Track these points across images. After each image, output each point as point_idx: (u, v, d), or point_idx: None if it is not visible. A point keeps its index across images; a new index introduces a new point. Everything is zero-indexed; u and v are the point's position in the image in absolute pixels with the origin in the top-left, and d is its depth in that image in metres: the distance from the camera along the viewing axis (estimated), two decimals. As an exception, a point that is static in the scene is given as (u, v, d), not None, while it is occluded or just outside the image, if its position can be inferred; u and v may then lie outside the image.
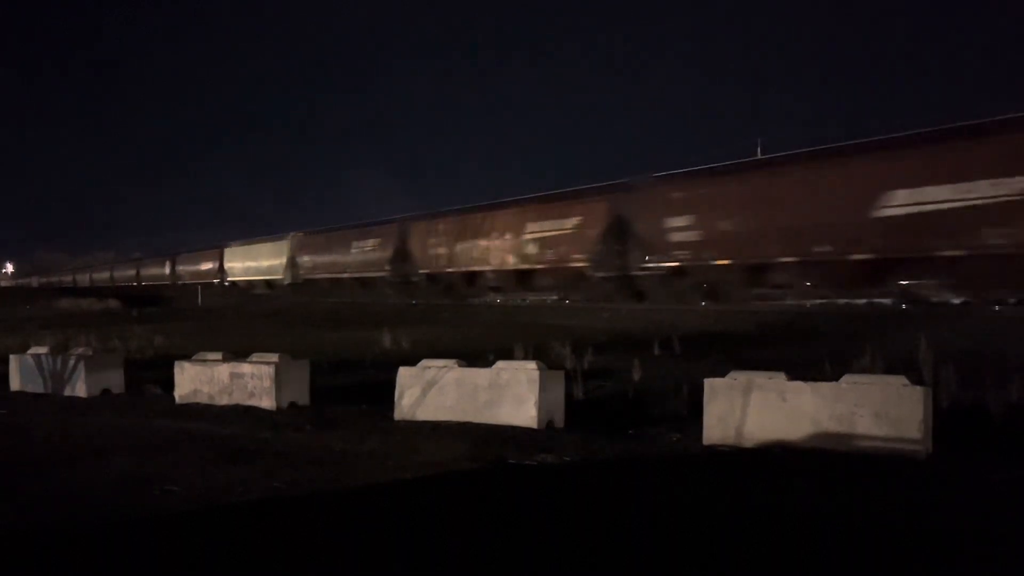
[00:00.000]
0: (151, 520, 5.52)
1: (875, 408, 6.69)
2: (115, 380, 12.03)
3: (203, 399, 10.52)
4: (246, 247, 52.19)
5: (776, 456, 6.80)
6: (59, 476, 6.86)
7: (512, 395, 8.39)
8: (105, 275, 75.79)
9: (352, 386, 11.38)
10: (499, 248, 33.00)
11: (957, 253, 18.76)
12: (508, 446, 7.39)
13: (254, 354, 10.71)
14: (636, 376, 10.76)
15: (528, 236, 31.40)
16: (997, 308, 17.98)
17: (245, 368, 10.30)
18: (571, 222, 29.51)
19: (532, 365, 8.54)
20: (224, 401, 10.31)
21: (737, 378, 7.40)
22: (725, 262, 23.88)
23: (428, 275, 36.07)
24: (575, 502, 5.76)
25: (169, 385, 11.10)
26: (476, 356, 10.65)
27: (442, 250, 35.57)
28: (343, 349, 16.09)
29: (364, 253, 40.53)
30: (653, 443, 7.67)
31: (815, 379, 7.31)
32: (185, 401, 10.64)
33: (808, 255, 21.71)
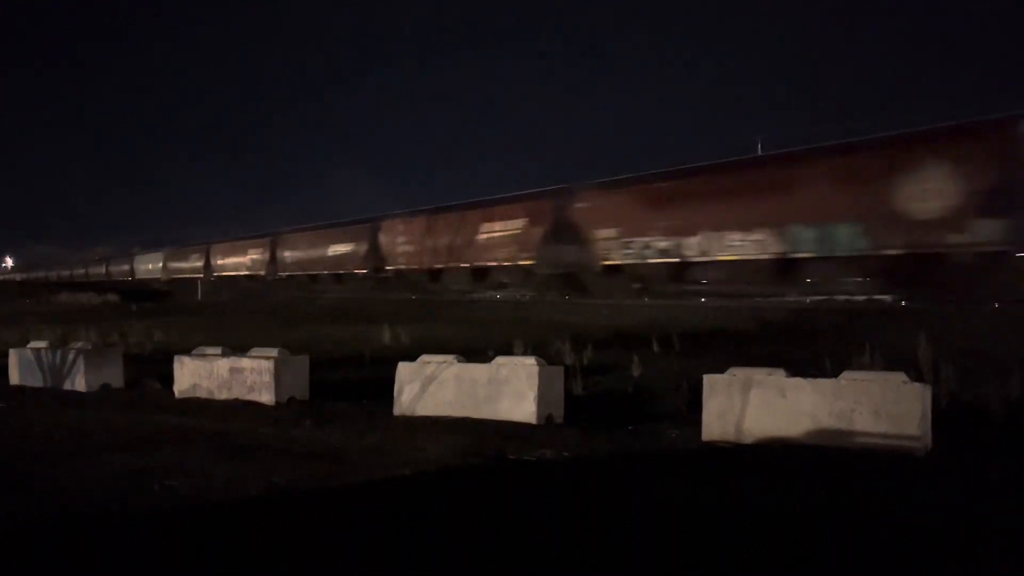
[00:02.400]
0: (150, 515, 5.52)
1: (874, 405, 6.69)
2: (114, 375, 12.02)
3: (202, 394, 10.52)
4: (146, 255, 71.39)
5: (775, 453, 6.80)
6: (58, 471, 6.86)
7: (511, 391, 8.39)
8: (67, 273, 79.37)
9: (351, 381, 11.38)
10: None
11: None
12: (507, 442, 7.39)
13: (254, 349, 10.71)
14: (635, 372, 10.76)
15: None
16: (996, 306, 17.97)
17: (244, 363, 10.30)
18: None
19: (531, 361, 8.54)
20: (224, 396, 10.31)
21: (736, 374, 7.40)
22: None
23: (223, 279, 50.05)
24: (574, 498, 5.76)
25: (169, 380, 11.10)
26: (475, 352, 10.65)
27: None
28: (343, 344, 16.09)
29: (192, 262, 59.95)
30: (652, 439, 7.67)
31: (814, 376, 7.32)
32: (184, 396, 10.64)
33: None
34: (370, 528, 5.12)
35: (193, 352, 11.08)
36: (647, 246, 26.92)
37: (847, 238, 21.92)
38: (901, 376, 6.84)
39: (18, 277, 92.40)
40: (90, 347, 12.83)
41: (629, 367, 10.93)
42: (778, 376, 7.23)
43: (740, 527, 4.94)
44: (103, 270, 75.51)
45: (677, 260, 26.21)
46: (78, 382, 11.77)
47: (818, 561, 4.42)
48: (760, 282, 24.18)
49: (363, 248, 42.84)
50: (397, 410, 9.00)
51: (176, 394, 10.76)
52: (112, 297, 46.15)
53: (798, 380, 7.14)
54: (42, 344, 13.09)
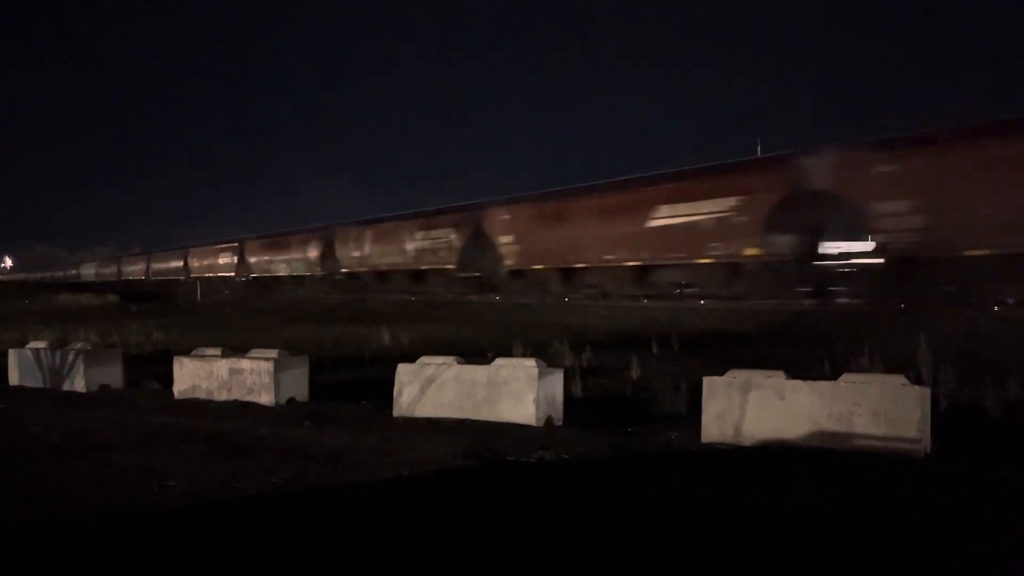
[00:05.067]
0: (149, 515, 5.52)
1: (873, 407, 6.69)
2: (114, 375, 12.02)
3: (202, 395, 10.52)
4: (87, 264, 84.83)
5: (774, 454, 6.80)
6: (57, 471, 6.86)
7: (511, 392, 8.39)
8: (73, 272, 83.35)
9: (351, 382, 11.38)
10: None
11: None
12: (507, 443, 7.39)
13: (253, 350, 10.71)
14: (635, 374, 10.76)
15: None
16: (996, 308, 17.97)
17: (244, 364, 10.30)
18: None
19: (531, 362, 8.54)
20: (223, 397, 10.31)
21: (736, 376, 7.40)
22: None
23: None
24: (573, 499, 5.76)
25: (168, 380, 11.10)
26: (475, 353, 10.65)
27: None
28: (342, 345, 16.09)
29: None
30: (651, 440, 7.67)
31: (814, 378, 7.31)
32: (184, 397, 10.64)
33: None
34: (369, 529, 5.12)
35: (193, 353, 11.08)
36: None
37: None
38: (900, 378, 6.84)
39: (3, 278, 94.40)
40: (89, 347, 12.84)
41: (628, 368, 10.94)
42: (777, 378, 7.23)
43: (739, 528, 4.94)
44: (114, 270, 74.85)
45: None
46: (77, 383, 11.77)
47: (817, 562, 4.42)
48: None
49: (456, 241, 34.83)
50: (396, 411, 9.00)
51: (175, 395, 10.76)
52: (112, 297, 46.15)
53: (797, 382, 7.14)
54: (42, 344, 13.10)
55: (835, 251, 21.65)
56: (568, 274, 29.14)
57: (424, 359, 9.17)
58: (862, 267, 20.92)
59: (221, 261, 57.00)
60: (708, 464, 6.75)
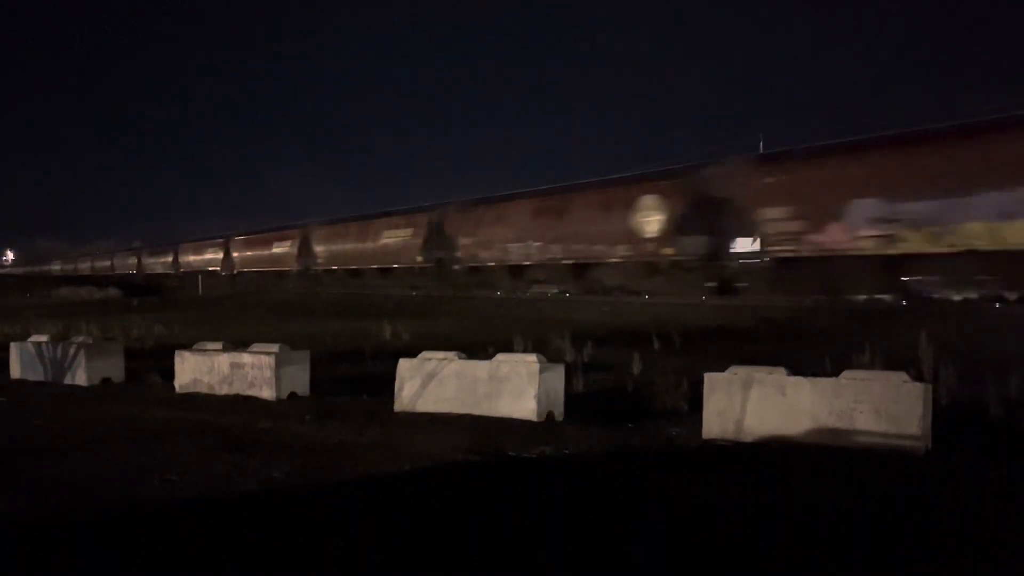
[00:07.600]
0: (150, 509, 5.53)
1: (875, 404, 6.69)
2: (115, 369, 12.03)
3: (203, 389, 10.53)
4: (62, 263, 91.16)
5: (775, 451, 6.80)
6: (58, 465, 6.86)
7: (512, 388, 8.39)
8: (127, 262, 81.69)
9: (352, 377, 11.39)
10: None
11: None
12: (508, 438, 7.39)
13: (254, 344, 10.71)
14: (636, 370, 10.76)
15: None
16: (997, 306, 17.97)
17: (245, 358, 10.30)
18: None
19: (532, 358, 8.54)
20: (224, 391, 10.32)
21: (737, 373, 7.39)
22: None
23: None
24: (574, 496, 5.76)
25: (169, 374, 11.11)
26: (476, 348, 10.65)
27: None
28: (343, 340, 16.10)
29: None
30: (652, 437, 7.67)
31: (815, 374, 7.31)
32: (185, 391, 10.65)
33: None
34: (369, 525, 5.12)
35: (194, 347, 11.09)
36: None
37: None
38: (901, 375, 6.83)
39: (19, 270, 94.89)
40: (91, 341, 12.85)
41: (629, 364, 10.94)
42: (778, 375, 7.23)
43: (739, 527, 4.94)
44: (163, 260, 68.44)
45: None
46: (79, 376, 11.78)
47: (817, 561, 4.42)
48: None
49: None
50: (398, 406, 9.01)
51: (177, 389, 10.77)
52: (113, 291, 46.22)
53: (798, 379, 7.14)
54: (43, 338, 13.12)
55: None
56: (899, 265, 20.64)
57: (425, 354, 9.17)
58: None
59: (276, 252, 49.36)
60: (709, 461, 6.75)
